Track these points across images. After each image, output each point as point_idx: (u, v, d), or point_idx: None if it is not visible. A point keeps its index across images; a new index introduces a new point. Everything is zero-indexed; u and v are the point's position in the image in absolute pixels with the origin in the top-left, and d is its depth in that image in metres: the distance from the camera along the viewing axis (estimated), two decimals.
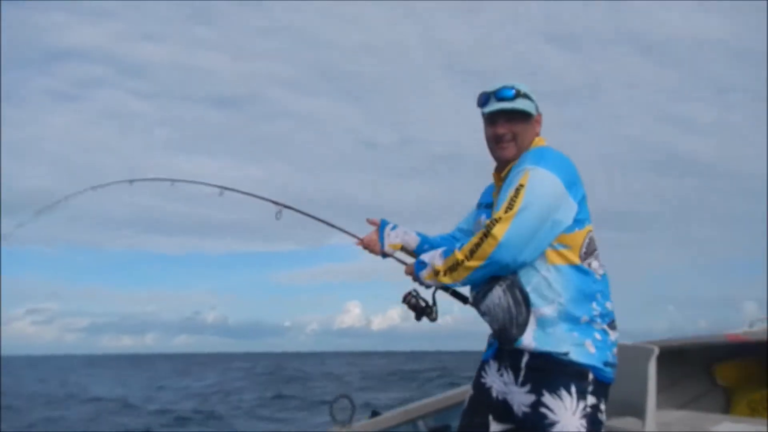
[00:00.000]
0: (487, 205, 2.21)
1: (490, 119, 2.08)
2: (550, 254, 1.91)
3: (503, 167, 2.08)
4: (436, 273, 1.95)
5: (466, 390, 3.36)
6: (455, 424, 3.21)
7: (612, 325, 1.96)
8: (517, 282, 1.90)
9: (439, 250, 1.98)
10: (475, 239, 1.85)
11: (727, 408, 3.87)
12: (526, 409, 1.90)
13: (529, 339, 1.90)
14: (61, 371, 45.09)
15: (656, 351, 2.41)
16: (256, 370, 40.64)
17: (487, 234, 1.82)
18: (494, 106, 2.06)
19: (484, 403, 2.09)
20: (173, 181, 2.72)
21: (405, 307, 2.11)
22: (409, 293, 2.10)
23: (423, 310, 2.09)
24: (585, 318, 1.90)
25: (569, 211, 1.90)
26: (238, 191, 2.57)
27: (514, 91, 2.05)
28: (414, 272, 2.05)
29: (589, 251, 1.95)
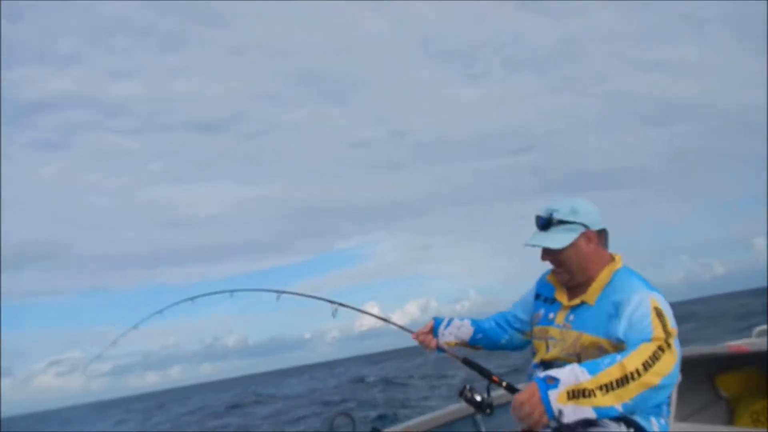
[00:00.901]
0: (546, 299, 2.17)
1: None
2: None
3: (570, 287, 2.07)
4: (582, 392, 1.59)
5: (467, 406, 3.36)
6: None
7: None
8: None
9: (577, 366, 1.65)
10: (649, 348, 1.68)
11: (730, 419, 3.85)
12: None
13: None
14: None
15: None
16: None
17: (666, 346, 1.70)
18: (531, 238, 2.06)
19: None
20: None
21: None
22: (465, 387, 2.04)
23: (479, 405, 2.02)
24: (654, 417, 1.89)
25: None
26: (295, 293, 2.66)
27: (544, 220, 2.03)
28: (540, 393, 1.61)
29: None
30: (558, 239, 2.01)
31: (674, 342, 1.75)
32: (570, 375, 1.61)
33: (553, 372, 1.64)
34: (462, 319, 2.38)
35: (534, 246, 2.06)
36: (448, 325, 2.34)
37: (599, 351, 1.85)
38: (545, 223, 2.03)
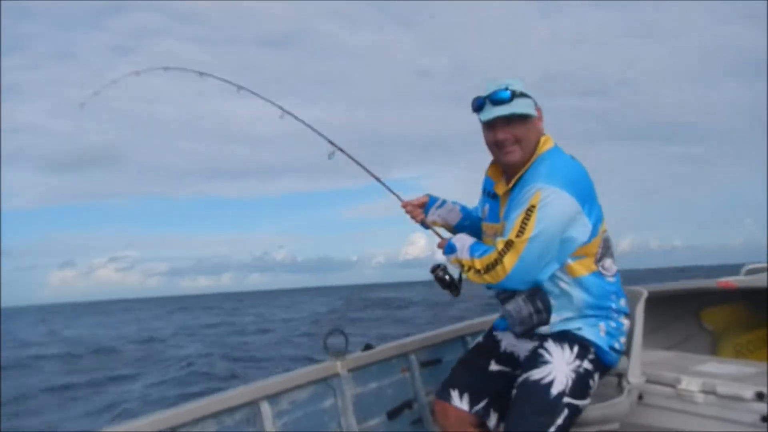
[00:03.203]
0: (489, 193, 2.21)
1: (489, 124, 2.02)
2: (569, 267, 1.98)
3: (511, 171, 2.05)
4: (461, 265, 2.02)
5: (460, 327, 3.45)
6: (447, 359, 3.31)
7: (627, 317, 2.12)
8: (538, 292, 1.98)
9: (468, 243, 2.04)
10: (493, 255, 1.90)
11: (713, 350, 3.96)
12: (528, 353, 2.07)
13: (547, 329, 2.04)
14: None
15: (645, 294, 2.45)
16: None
17: (500, 259, 1.87)
18: (491, 112, 1.99)
19: (489, 350, 2.25)
20: (239, 87, 2.87)
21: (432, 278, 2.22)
22: (438, 266, 2.21)
23: (448, 285, 2.20)
24: (601, 314, 2.04)
25: (584, 228, 1.92)
26: (297, 118, 2.68)
27: (509, 93, 1.97)
28: (443, 250, 2.12)
29: (604, 253, 2.02)
30: (526, 108, 1.99)
31: (525, 245, 1.83)
32: (462, 249, 2.00)
33: (455, 240, 2.06)
34: (455, 202, 2.41)
35: (508, 115, 1.97)
36: (440, 206, 2.37)
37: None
38: (510, 96, 1.98)
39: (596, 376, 2.03)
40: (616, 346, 2.06)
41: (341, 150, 2.54)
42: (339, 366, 2.77)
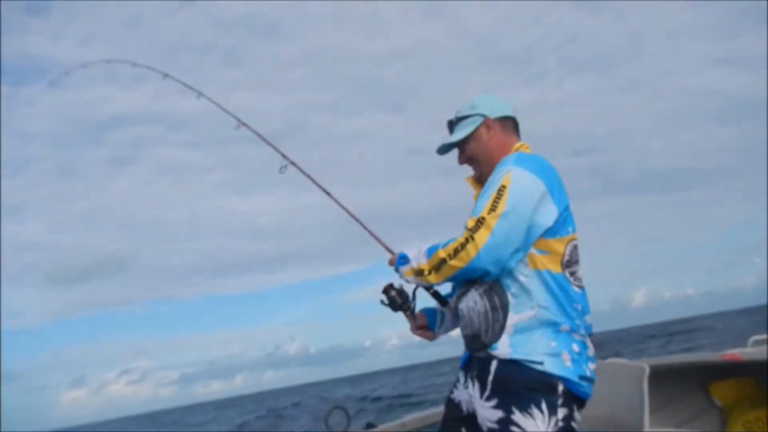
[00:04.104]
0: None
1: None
2: (530, 259, 1.86)
3: (482, 181, 2.04)
4: (420, 272, 1.90)
5: None
6: None
7: (591, 339, 1.92)
8: (496, 286, 1.86)
9: (423, 248, 1.93)
10: (461, 239, 1.81)
11: (722, 428, 3.87)
12: (493, 426, 1.82)
13: (505, 345, 1.83)
14: None
15: (647, 370, 2.42)
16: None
17: (471, 237, 1.79)
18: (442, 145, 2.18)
19: (456, 419, 2.04)
20: (165, 75, 2.98)
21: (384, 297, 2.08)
22: (391, 285, 2.08)
23: (401, 306, 2.07)
24: (565, 327, 1.84)
25: (550, 214, 1.87)
26: (251, 129, 2.70)
27: (449, 122, 2.17)
28: (395, 266, 2.01)
29: (572, 260, 1.91)
30: (458, 134, 2.11)
31: (496, 221, 1.78)
32: (417, 256, 1.92)
33: (408, 251, 1.97)
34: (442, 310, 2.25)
35: (443, 149, 2.15)
36: (441, 323, 2.21)
37: None
38: (450, 125, 2.16)
39: (575, 412, 1.85)
40: (587, 373, 1.86)
41: (293, 163, 2.54)
42: None
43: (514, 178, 1.85)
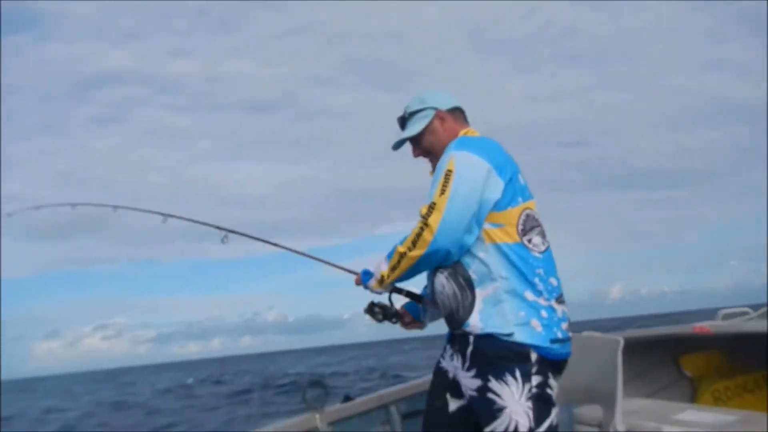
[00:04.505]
0: None
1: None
2: (486, 234, 1.95)
3: None
4: (384, 277, 2.01)
5: None
6: None
7: (560, 300, 2.00)
8: (459, 268, 1.96)
9: (383, 256, 2.03)
10: (416, 229, 1.91)
11: (692, 398, 3.97)
12: (473, 393, 1.96)
13: (476, 320, 1.94)
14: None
15: (622, 342, 2.47)
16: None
17: (425, 223, 1.88)
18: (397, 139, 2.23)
19: (442, 386, 2.14)
20: (115, 207, 2.83)
21: (368, 318, 2.18)
22: (372, 303, 2.17)
23: (384, 317, 2.18)
24: (530, 295, 1.93)
25: (496, 188, 1.95)
26: (182, 218, 2.62)
27: (400, 118, 2.23)
28: (362, 284, 2.11)
29: (527, 228, 1.98)
30: (413, 128, 2.18)
31: (446, 203, 1.88)
32: (378, 265, 2.02)
33: (370, 266, 2.07)
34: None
35: (397, 144, 2.22)
36: (425, 313, 2.27)
37: None
38: (402, 121, 2.23)
39: (551, 380, 1.94)
40: (559, 335, 1.95)
41: (232, 231, 2.51)
42: (318, 419, 2.72)
43: (458, 161, 1.94)
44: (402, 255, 1.93)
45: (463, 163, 1.94)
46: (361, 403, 2.98)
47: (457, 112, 2.20)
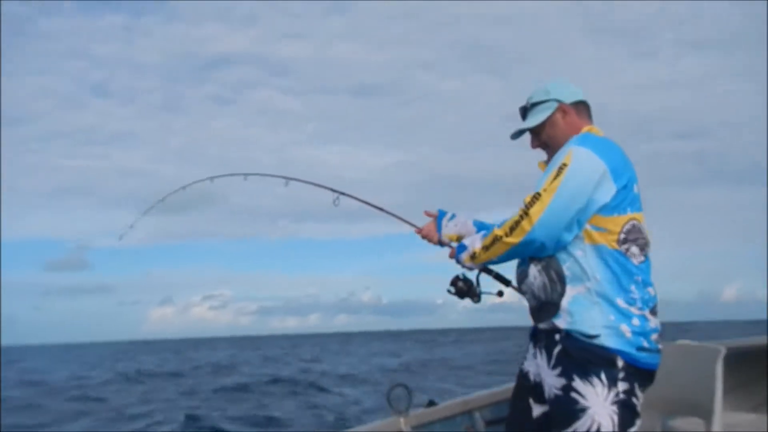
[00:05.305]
0: None
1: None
2: (586, 234, 1.92)
3: None
4: (475, 254, 2.02)
5: None
6: None
7: (654, 311, 1.95)
8: (552, 262, 1.95)
9: (480, 233, 2.05)
10: (515, 216, 1.90)
11: None
12: (558, 392, 1.93)
13: (565, 315, 1.92)
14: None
15: (723, 351, 2.33)
16: None
17: (526, 212, 1.87)
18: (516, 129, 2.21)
19: (525, 388, 2.13)
20: (246, 175, 2.98)
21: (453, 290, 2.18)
22: (457, 277, 2.18)
23: (466, 292, 2.17)
24: (622, 302, 1.90)
25: (607, 191, 1.91)
26: (301, 180, 2.73)
27: (522, 108, 2.19)
28: (455, 255, 2.11)
29: (630, 238, 1.94)
30: (534, 119, 2.14)
31: (552, 196, 1.85)
32: (473, 241, 2.05)
33: (465, 240, 2.12)
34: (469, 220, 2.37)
35: (517, 133, 2.20)
36: (452, 218, 2.34)
37: None
38: (523, 111, 2.19)
39: (637, 390, 1.89)
40: (645, 344, 1.90)
41: (345, 194, 2.61)
42: (402, 423, 2.74)
43: (576, 156, 1.92)
44: (497, 238, 1.94)
45: (580, 159, 1.91)
46: (445, 407, 2.98)
47: (581, 107, 2.15)
